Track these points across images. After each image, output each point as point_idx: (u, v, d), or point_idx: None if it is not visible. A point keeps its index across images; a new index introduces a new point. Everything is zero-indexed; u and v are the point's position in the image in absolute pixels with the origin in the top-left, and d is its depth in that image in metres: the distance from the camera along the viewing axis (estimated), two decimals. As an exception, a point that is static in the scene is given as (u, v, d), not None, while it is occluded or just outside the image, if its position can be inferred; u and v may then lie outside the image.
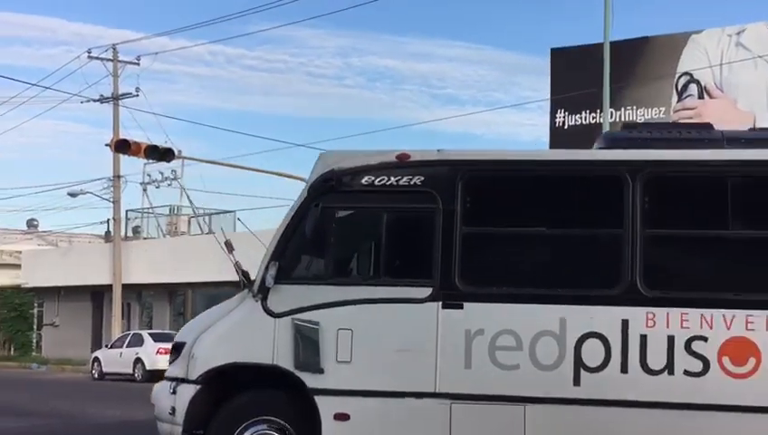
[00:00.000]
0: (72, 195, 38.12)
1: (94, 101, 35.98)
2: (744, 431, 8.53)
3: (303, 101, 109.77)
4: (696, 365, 8.57)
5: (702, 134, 9.55)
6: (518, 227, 9.22)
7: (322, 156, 9.66)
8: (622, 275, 8.79)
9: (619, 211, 8.89)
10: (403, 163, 9.28)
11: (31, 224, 55.08)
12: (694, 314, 8.61)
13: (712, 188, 9.06)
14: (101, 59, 35.96)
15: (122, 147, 24.87)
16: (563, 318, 8.78)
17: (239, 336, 9.39)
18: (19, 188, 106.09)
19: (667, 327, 8.62)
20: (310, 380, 9.00)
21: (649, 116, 38.65)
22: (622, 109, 38.68)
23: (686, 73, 38.24)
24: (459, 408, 8.85)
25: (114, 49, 36.13)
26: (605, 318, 8.75)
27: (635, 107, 38.86)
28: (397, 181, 9.22)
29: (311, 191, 9.44)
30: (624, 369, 8.67)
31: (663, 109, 38.42)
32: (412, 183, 9.19)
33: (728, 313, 8.57)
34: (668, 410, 8.59)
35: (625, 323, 8.70)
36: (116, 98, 35.61)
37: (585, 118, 39.48)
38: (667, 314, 8.63)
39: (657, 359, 8.62)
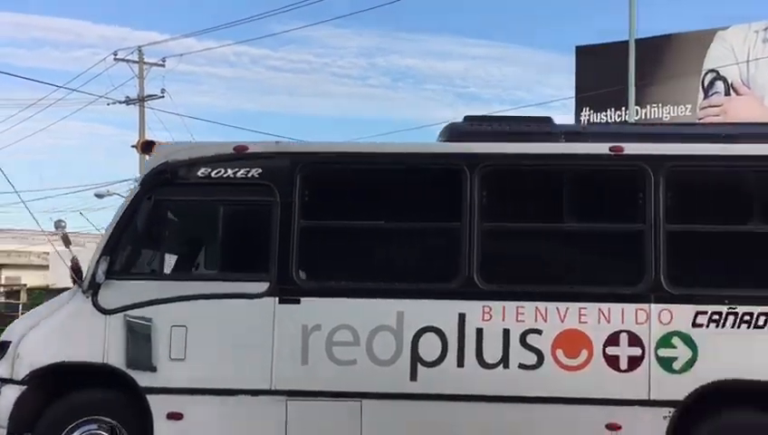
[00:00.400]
0: (99, 196, 38.29)
1: (120, 102, 36.27)
2: (577, 423, 8.58)
3: (327, 101, 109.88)
4: (531, 358, 8.65)
5: (541, 128, 9.56)
6: (356, 220, 9.13)
7: (158, 148, 9.68)
8: (460, 268, 8.81)
9: (458, 205, 8.88)
10: (241, 155, 9.12)
11: (58, 225, 55.55)
12: (529, 307, 8.68)
13: (547, 182, 9.17)
14: (127, 61, 36.21)
15: (148, 148, 24.90)
16: (401, 312, 8.76)
17: (67, 334, 9.14)
18: (47, 190, 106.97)
19: (503, 320, 8.70)
20: (141, 378, 8.84)
21: (675, 114, 38.44)
22: (648, 106, 38.47)
23: (712, 70, 37.98)
24: (295, 405, 8.78)
25: (140, 51, 36.37)
26: (442, 312, 8.77)
27: (660, 104, 38.65)
28: (234, 174, 9.05)
29: (143, 184, 9.35)
30: (460, 363, 8.70)
31: (689, 106, 38.18)
32: (249, 175, 9.03)
33: (562, 305, 8.67)
34: (504, 404, 8.67)
35: (462, 317, 8.73)
36: (142, 99, 35.80)
37: (610, 116, 39.29)
38: (503, 307, 8.71)
39: (492, 352, 8.68)
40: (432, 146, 9.56)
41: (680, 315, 8.60)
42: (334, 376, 8.77)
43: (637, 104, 35.82)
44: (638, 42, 34.29)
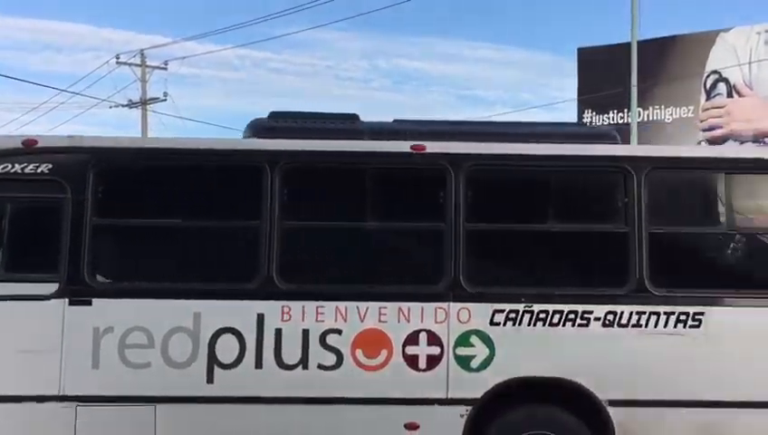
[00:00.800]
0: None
1: (123, 106, 36.31)
2: (377, 423, 8.53)
3: (331, 103, 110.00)
4: (331, 359, 8.54)
5: (346, 125, 9.45)
6: (153, 218, 8.82)
7: None
8: (259, 268, 8.62)
9: (258, 203, 8.70)
10: (30, 150, 8.70)
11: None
12: (329, 307, 8.56)
13: (348, 180, 9.02)
14: (129, 64, 36.21)
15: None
16: (198, 313, 8.53)
17: None
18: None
19: (303, 321, 8.56)
20: None
21: (677, 115, 38.47)
22: (650, 108, 38.50)
23: (714, 72, 38.01)
24: (85, 410, 8.45)
25: (142, 54, 36.40)
26: (241, 313, 8.57)
27: (663, 106, 38.68)
28: (22, 169, 8.61)
29: None
30: (258, 364, 8.52)
31: (692, 108, 38.20)
32: (39, 171, 8.62)
33: (362, 305, 8.57)
34: (303, 406, 8.54)
35: (261, 318, 8.56)
36: (144, 103, 35.84)
37: (613, 117, 39.32)
38: (303, 307, 8.56)
39: (291, 353, 8.53)
40: (232, 142, 9.37)
41: (478, 314, 8.60)
42: (127, 380, 8.46)
43: (639, 106, 35.81)
44: (641, 43, 34.30)
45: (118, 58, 36.14)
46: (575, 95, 41.16)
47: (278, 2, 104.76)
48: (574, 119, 40.90)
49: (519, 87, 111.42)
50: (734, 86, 37.64)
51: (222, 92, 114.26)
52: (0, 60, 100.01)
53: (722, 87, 38.00)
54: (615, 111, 39.03)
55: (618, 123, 38.73)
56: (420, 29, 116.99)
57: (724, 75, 37.79)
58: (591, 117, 40.14)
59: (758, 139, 37.13)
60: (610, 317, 8.69)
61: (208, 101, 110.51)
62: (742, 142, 37.63)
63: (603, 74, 38.63)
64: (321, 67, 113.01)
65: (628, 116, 35.52)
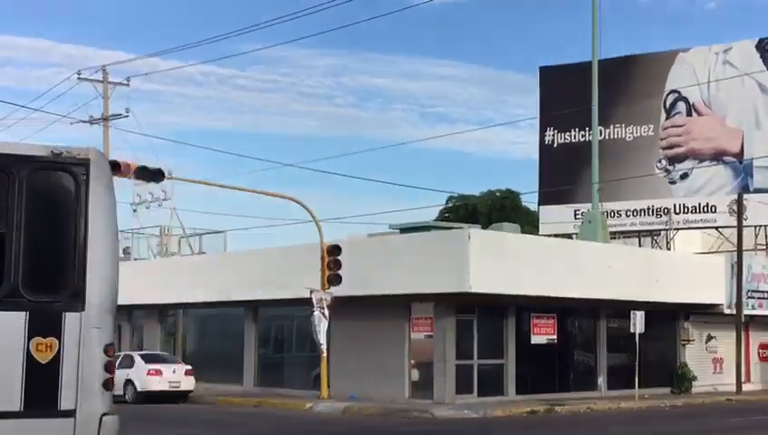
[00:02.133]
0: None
1: (84, 122, 36.17)
2: None
3: (294, 120, 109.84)
4: None
5: None
6: None
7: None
8: None
9: None
10: None
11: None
12: None
13: None
14: (91, 80, 36.09)
15: (112, 168, 24.95)
16: None
17: None
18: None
19: None
20: None
21: (638, 133, 38.85)
22: (611, 126, 38.87)
23: (673, 91, 38.48)
24: None
25: (104, 70, 36.29)
26: None
27: (623, 124, 39.03)
28: None
29: None
30: None
31: (651, 126, 38.60)
32: None
33: None
34: None
35: None
36: (106, 119, 35.75)
37: (575, 136, 39.63)
38: None
39: None
40: None
41: None
42: None
43: (600, 125, 36.27)
44: (602, 63, 34.72)
45: (79, 74, 36.06)
46: (537, 113, 41.43)
47: (243, 18, 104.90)
48: (537, 136, 41.32)
49: (482, 104, 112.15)
50: (693, 105, 38.08)
51: (186, 109, 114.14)
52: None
53: (681, 106, 38.44)
54: (577, 130, 39.36)
55: (579, 141, 39.18)
56: (385, 46, 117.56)
57: (683, 94, 38.21)
58: (553, 135, 40.45)
59: (717, 157, 37.64)
60: None
61: (172, 118, 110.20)
62: (701, 161, 38.17)
63: (565, 92, 39.01)
64: (285, 84, 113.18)
65: (589, 135, 35.97)
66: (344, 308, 26.24)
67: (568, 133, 40.15)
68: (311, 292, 25.93)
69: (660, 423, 21.59)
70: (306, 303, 26.15)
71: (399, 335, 26.72)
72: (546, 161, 40.78)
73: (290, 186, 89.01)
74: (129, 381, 28.79)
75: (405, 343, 26.67)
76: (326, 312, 25.92)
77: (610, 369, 29.11)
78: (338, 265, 26.04)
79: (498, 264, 25.05)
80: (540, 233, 37.08)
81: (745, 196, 35.20)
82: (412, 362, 26.64)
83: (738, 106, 37.17)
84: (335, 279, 25.94)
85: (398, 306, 26.60)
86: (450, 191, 56.48)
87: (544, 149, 40.98)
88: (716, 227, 37.68)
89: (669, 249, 36.97)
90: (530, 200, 47.53)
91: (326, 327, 26.08)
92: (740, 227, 33.80)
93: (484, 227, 31.85)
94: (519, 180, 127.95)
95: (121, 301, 34.15)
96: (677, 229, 38.06)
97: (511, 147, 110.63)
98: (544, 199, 40.33)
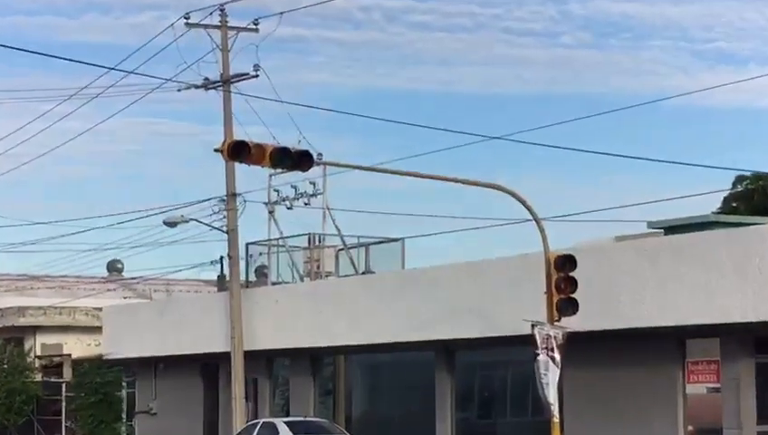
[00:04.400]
0: (170, 224, 38.81)
1: (196, 87, 36.75)
2: None
3: (500, 72, 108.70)
4: None
5: None
6: None
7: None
8: None
9: None
10: None
11: (114, 268, 56.93)
12: None
13: None
14: (205, 26, 36.71)
15: (238, 151, 25.27)
16: None
17: None
18: (95, 217, 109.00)
19: None
20: None
21: None
22: None
23: None
24: None
25: (222, 11, 36.86)
26: None
27: None
28: None
29: None
30: None
31: None
32: None
33: None
34: None
35: None
36: (227, 81, 36.32)
37: None
38: None
39: None
40: None
41: None
42: None
43: None
44: None
45: (187, 19, 36.74)
46: None
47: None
48: None
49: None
50: None
51: (340, 61, 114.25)
52: (24, 30, 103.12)
53: None
54: None
55: None
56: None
57: None
58: None
59: None
60: None
61: (321, 77, 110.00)
62: None
63: None
64: (485, 18, 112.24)
65: None
66: (580, 350, 26.03)
67: None
68: (532, 326, 25.78)
69: None
70: (526, 342, 26.04)
71: (669, 388, 26.55)
72: None
73: (493, 169, 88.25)
74: (272, 460, 29.53)
75: (678, 401, 26.48)
76: (557, 356, 25.74)
77: None
78: (573, 285, 25.77)
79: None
80: None
81: None
82: (689, 429, 26.39)
83: None
84: (569, 307, 25.69)
85: (666, 345, 26.49)
86: (739, 169, 54.86)
87: None
88: None
89: None
90: None
91: (557, 378, 25.89)
92: None
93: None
94: None
95: (257, 345, 35.22)
96: None
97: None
98: None
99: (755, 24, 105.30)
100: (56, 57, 65.63)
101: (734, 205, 47.82)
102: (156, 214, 42.58)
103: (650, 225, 30.61)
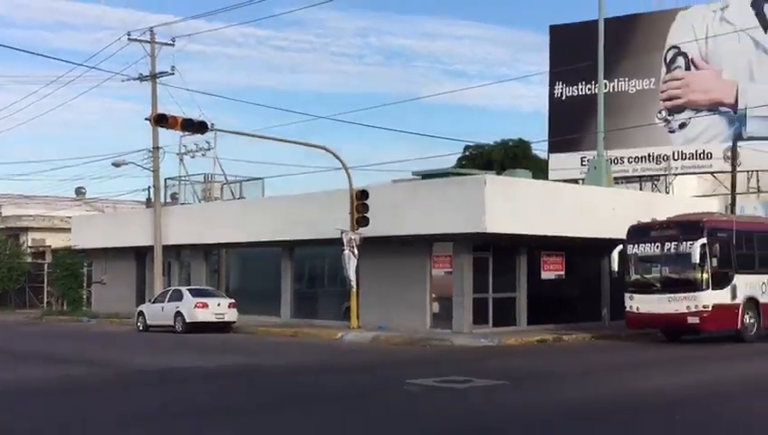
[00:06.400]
0: (116, 165, 38.10)
1: (134, 79, 35.85)
2: None
3: (327, 78, 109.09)
4: None
5: None
6: None
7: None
8: None
9: None
10: None
11: (80, 192, 55.30)
12: None
13: None
14: (140, 41, 35.76)
15: (160, 120, 24.88)
16: None
17: None
18: (67, 159, 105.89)
19: None
20: None
21: (640, 87, 38.38)
22: (615, 80, 38.36)
23: (674, 47, 37.87)
24: None
25: (151, 31, 35.89)
26: None
27: (627, 78, 38.52)
28: None
29: None
30: None
31: (653, 80, 38.08)
32: None
33: None
34: None
35: None
36: (153, 76, 35.49)
37: (581, 89, 39.21)
38: None
39: None
40: None
41: None
42: None
43: (605, 78, 35.80)
44: (607, 21, 34.15)
45: (129, 35, 35.81)
46: (547, 68, 40.99)
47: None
48: (546, 90, 40.93)
49: (496, 62, 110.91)
50: (691, 60, 37.49)
51: (228, 68, 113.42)
52: (21, 37, 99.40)
53: (680, 61, 37.84)
54: (584, 83, 38.93)
55: (586, 94, 38.78)
56: (407, 8, 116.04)
57: (682, 50, 37.62)
58: (562, 89, 40.03)
59: (713, 108, 37.16)
60: None
61: (215, 76, 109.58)
62: (698, 111, 37.70)
63: (573, 49, 38.47)
64: (318, 44, 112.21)
65: (595, 87, 35.53)
66: (371, 247, 26.32)
67: (575, 87, 39.74)
68: (341, 233, 26.01)
69: (642, 349, 21.57)
70: (337, 243, 26.26)
71: (421, 272, 26.78)
72: (555, 113, 40.46)
73: (323, 137, 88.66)
74: (178, 313, 29.15)
75: (426, 279, 26.75)
76: (355, 251, 26.04)
77: (612, 301, 29.04)
78: (366, 208, 26.06)
79: (511, 207, 24.99)
80: (549, 178, 36.86)
81: (739, 143, 34.99)
82: (433, 295, 26.74)
83: (733, 60, 36.55)
84: (363, 221, 25.99)
85: (421, 246, 26.61)
86: (467, 141, 56.02)
87: (553, 101, 40.64)
88: (712, 173, 37.38)
89: (668, 193, 36.73)
90: (540, 148, 47.21)
91: (355, 265, 26.19)
92: (734, 173, 33.73)
93: (498, 173, 31.71)
94: (530, 131, 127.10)
95: (170, 241, 34.62)
96: (676, 175, 37.79)
97: (522, 100, 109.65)
98: (553, 148, 40.04)
99: (479, 55, 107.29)
100: (44, 56, 63.01)
101: (464, 163, 48.66)
102: (108, 158, 41.82)
103: (414, 173, 30.97)
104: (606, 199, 28.21)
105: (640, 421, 10.76)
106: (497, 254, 26.65)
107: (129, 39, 36.10)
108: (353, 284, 26.42)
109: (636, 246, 23.50)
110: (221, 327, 28.74)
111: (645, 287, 23.17)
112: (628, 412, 11.45)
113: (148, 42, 36.08)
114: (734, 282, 22.51)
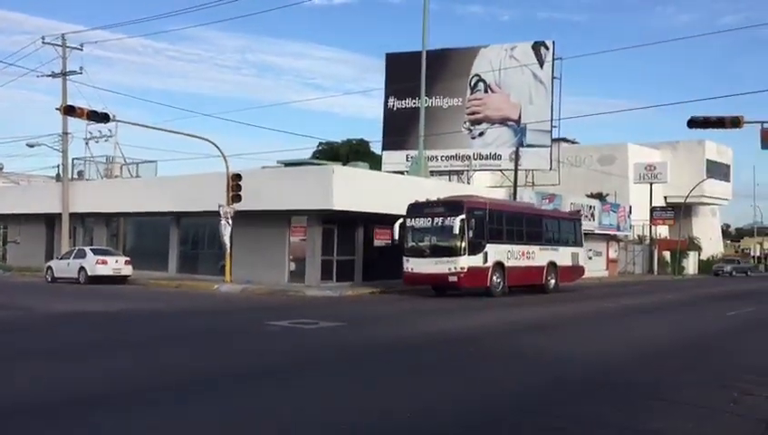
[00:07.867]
0: (30, 145, 36.19)
1: (47, 76, 33.79)
2: None
3: (211, 84, 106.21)
4: None
5: None
6: None
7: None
8: None
9: None
10: None
11: (-4, 167, 51.47)
12: None
13: None
14: (53, 44, 33.63)
15: (70, 111, 23.48)
16: None
17: None
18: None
19: None
20: None
21: (452, 103, 39.46)
22: (434, 98, 39.29)
23: (476, 75, 39.20)
24: None
25: (63, 37, 33.82)
26: None
27: (442, 96, 39.58)
28: None
29: None
30: None
31: (461, 99, 39.28)
32: None
33: None
34: None
35: None
36: (64, 74, 33.43)
37: (408, 103, 39.95)
38: None
39: None
40: None
41: None
42: None
43: (426, 96, 36.63)
44: (429, 52, 34.98)
45: (43, 39, 33.54)
46: (383, 86, 41.48)
47: (174, 3, 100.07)
48: (382, 102, 41.38)
49: (346, 79, 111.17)
50: (489, 85, 38.92)
51: (130, 71, 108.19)
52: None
53: (481, 85, 39.22)
54: (410, 99, 39.64)
55: (412, 107, 39.46)
56: (279, 32, 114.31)
57: (482, 77, 39.00)
58: (394, 102, 40.57)
59: (503, 122, 38.67)
60: None
61: (117, 77, 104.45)
62: (492, 124, 39.16)
63: (403, 72, 39.11)
64: (205, 57, 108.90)
65: (418, 102, 36.24)
66: (243, 219, 25.92)
67: (404, 101, 40.46)
68: (219, 206, 25.46)
69: (421, 302, 22.18)
70: (215, 214, 25.69)
71: (282, 239, 26.58)
72: (389, 120, 41.07)
73: (206, 131, 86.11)
74: (82, 268, 27.73)
75: (286, 244, 26.58)
76: (230, 221, 25.55)
77: (396, 263, 29.67)
78: (239, 188, 25.56)
79: (352, 190, 25.19)
80: (383, 170, 37.37)
81: (521, 149, 36.74)
82: (291, 257, 26.60)
83: (518, 87, 38.27)
84: (237, 198, 25.50)
85: (282, 218, 26.39)
86: (321, 138, 56.21)
87: (388, 111, 41.24)
88: (501, 170, 39.07)
89: (469, 184, 38.06)
90: (376, 147, 47.86)
91: (230, 232, 25.71)
92: (516, 170, 35.44)
93: (344, 164, 31.83)
94: (370, 133, 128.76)
95: (76, 209, 32.84)
96: (475, 170, 39.30)
97: (364, 109, 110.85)
98: (386, 146, 40.68)
99: (334, 73, 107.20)
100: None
101: (318, 156, 48.64)
102: (24, 139, 39.10)
103: (279, 162, 30.65)
104: (424, 187, 28.87)
105: (448, 350, 11.12)
106: (341, 226, 26.82)
107: (43, 42, 33.83)
108: (228, 247, 25.93)
109: (412, 219, 23.25)
110: (118, 280, 27.57)
111: (418, 253, 22.86)
112: (436, 344, 11.81)
113: (60, 45, 33.94)
114: (485, 250, 22.64)
